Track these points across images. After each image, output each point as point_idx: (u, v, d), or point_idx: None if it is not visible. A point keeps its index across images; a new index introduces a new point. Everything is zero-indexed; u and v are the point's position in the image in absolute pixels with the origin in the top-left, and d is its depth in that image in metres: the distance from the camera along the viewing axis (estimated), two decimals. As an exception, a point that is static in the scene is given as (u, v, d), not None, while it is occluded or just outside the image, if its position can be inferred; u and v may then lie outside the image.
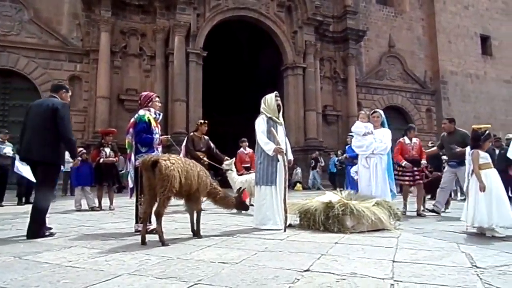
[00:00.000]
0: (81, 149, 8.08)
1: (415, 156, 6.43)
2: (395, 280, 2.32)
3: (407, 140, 6.62)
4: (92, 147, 11.51)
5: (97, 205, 7.33)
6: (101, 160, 7.45)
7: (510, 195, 7.32)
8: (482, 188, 4.10)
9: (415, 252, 3.13)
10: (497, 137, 9.57)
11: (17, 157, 4.50)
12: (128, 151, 4.44)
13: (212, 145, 7.33)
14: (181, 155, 8.21)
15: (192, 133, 7.50)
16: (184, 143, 7.90)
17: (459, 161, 5.74)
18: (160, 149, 4.54)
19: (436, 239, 3.88)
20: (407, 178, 6.41)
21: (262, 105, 4.74)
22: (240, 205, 4.45)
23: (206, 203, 7.00)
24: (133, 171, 4.35)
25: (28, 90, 14.77)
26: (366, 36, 20.47)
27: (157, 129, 4.46)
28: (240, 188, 4.72)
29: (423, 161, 6.45)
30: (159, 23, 15.73)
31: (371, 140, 5.77)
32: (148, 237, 3.66)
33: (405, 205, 6.54)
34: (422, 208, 6.48)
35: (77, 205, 7.23)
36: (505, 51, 24.64)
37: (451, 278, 2.38)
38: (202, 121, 7.67)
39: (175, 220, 5.52)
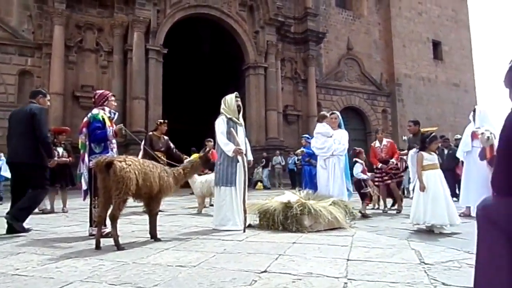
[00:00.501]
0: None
1: (384, 158, 6.83)
2: (348, 279, 2.40)
3: (377, 144, 7.11)
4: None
5: (48, 207, 6.98)
6: (54, 160, 7.10)
7: (458, 192, 7.78)
8: (422, 188, 4.38)
9: (368, 250, 3.25)
10: (445, 137, 10.13)
11: None
12: (82, 151, 4.28)
13: (171, 145, 7.22)
14: (140, 155, 8.01)
15: (151, 133, 7.35)
16: (142, 143, 7.70)
17: None
18: (115, 150, 4.39)
19: (389, 236, 4.05)
20: (375, 178, 6.80)
21: (222, 106, 4.73)
22: (206, 162, 4.32)
23: (166, 203, 6.91)
24: (86, 173, 4.20)
25: (-28, 85, 13.85)
26: (326, 38, 20.96)
27: (111, 129, 4.31)
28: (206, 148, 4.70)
29: (392, 161, 6.74)
30: (117, 18, 15.25)
31: (331, 142, 5.94)
32: (103, 241, 3.53)
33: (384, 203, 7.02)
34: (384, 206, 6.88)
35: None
36: (454, 56, 26.13)
37: (400, 275, 2.50)
38: (162, 120, 7.52)
39: (132, 222, 5.39)
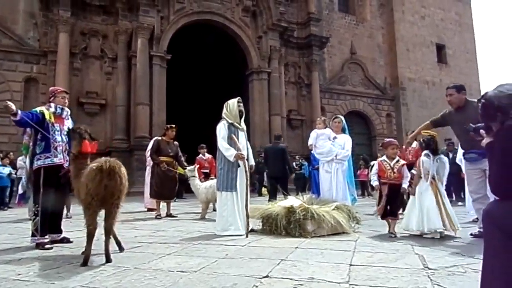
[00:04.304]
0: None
1: (411, 160, 6.48)
2: (350, 284, 2.37)
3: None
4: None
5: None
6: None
7: (462, 196, 7.73)
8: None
9: (371, 255, 3.22)
10: (451, 141, 10.04)
11: None
12: (24, 153, 4.13)
13: (179, 152, 7.16)
14: (147, 162, 8.00)
15: (159, 138, 7.27)
16: (149, 148, 7.64)
17: (482, 151, 3.71)
18: (60, 149, 4.02)
19: (392, 241, 4.01)
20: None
21: (224, 111, 4.74)
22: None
23: (170, 209, 6.90)
24: (27, 178, 3.97)
25: (-22, 92, 13.99)
26: (329, 42, 20.98)
27: (59, 126, 4.06)
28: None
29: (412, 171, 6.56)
30: (122, 24, 15.36)
31: (329, 147, 5.91)
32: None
33: None
34: None
35: (30, 213, 6.88)
36: (458, 60, 26.04)
37: (403, 280, 2.47)
38: (170, 125, 7.34)
39: (135, 227, 5.39)
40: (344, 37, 22.30)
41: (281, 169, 7.95)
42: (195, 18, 16.89)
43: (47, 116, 3.97)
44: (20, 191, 4.04)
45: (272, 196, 7.14)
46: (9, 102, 3.64)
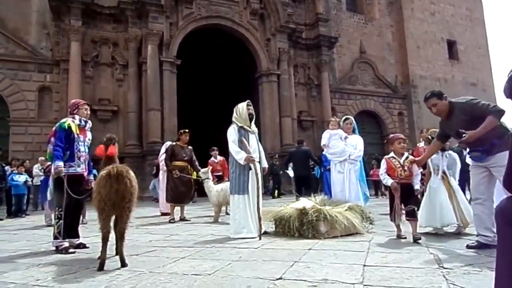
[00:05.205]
0: (49, 163, 7.94)
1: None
2: (364, 285, 2.36)
3: (421, 144, 6.96)
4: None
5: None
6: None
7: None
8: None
9: (385, 256, 3.20)
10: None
11: None
12: (49, 162, 4.27)
13: (194, 156, 7.22)
14: (161, 167, 8.06)
15: (174, 143, 7.34)
16: (162, 153, 7.74)
17: (485, 148, 3.51)
18: (83, 159, 4.23)
19: (407, 241, 3.97)
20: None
21: (234, 114, 4.77)
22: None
23: (184, 212, 6.95)
24: (52, 184, 4.12)
25: (-6, 102, 14.32)
26: (338, 42, 20.89)
27: (82, 137, 4.26)
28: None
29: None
30: (131, 32, 15.57)
31: (342, 147, 5.90)
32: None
33: None
34: None
35: (47, 220, 6.99)
36: (470, 55, 25.67)
37: (418, 280, 2.45)
38: (183, 130, 7.34)
39: (149, 232, 5.44)
40: (353, 36, 22.20)
41: (305, 170, 9.07)
42: (203, 23, 17.00)
43: (73, 129, 4.17)
44: (49, 197, 4.21)
45: (299, 195, 7.50)
46: (57, 166, 4.00)
